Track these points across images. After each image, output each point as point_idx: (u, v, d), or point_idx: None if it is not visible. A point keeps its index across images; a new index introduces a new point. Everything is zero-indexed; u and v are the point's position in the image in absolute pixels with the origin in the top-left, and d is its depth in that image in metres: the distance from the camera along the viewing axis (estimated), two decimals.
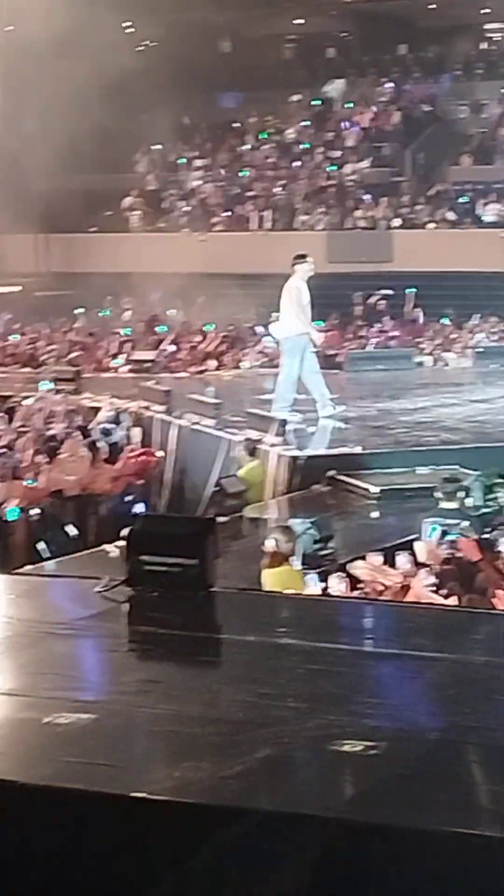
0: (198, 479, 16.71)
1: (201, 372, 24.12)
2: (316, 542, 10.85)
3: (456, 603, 7.86)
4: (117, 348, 26.26)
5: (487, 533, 9.58)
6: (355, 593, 8.22)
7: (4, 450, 16.48)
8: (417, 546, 9.81)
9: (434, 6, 38.85)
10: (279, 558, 9.96)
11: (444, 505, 11.26)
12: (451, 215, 32.89)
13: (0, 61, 28.73)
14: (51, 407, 18.97)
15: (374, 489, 13.90)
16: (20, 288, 32.78)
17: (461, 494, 11.58)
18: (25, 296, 32.12)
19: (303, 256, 17.52)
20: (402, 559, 8.54)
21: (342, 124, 36.82)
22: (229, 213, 35.05)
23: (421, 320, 28.26)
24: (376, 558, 8.70)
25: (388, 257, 32.28)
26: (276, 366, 25.93)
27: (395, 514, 13.12)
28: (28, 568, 11.62)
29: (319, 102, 37.99)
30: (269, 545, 10.16)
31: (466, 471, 13.41)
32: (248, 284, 29.90)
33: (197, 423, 17.63)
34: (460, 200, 33.41)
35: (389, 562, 9.52)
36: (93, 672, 5.30)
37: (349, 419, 17.74)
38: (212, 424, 17.28)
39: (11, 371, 23.57)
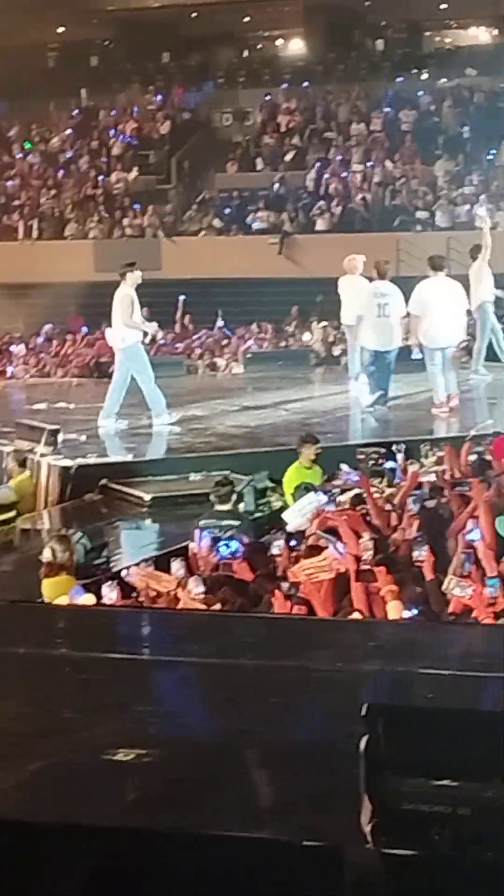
0: None
1: None
2: (89, 551, 10.84)
3: (227, 608, 7.93)
4: None
5: (260, 538, 9.72)
6: (129, 601, 8.24)
7: None
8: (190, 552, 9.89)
9: (196, 14, 39.13)
10: (56, 568, 9.93)
11: (219, 507, 11.38)
12: (217, 222, 33.15)
13: None
14: None
15: (147, 497, 13.93)
16: None
17: (234, 498, 11.71)
18: None
19: (132, 265, 17.48)
20: (176, 566, 8.58)
21: (108, 132, 36.81)
22: None
23: (191, 327, 28.43)
24: (149, 566, 8.74)
25: (157, 265, 32.35)
26: (48, 374, 25.89)
27: (169, 521, 13.18)
28: None
29: (80, 111, 37.94)
30: (47, 555, 10.12)
31: (238, 476, 13.55)
32: (16, 294, 29.69)
33: None
34: (227, 208, 33.71)
35: (164, 568, 9.56)
36: None
37: (119, 427, 17.76)
38: None
39: None
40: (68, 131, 37.29)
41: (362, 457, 12.87)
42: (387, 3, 38.21)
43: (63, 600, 8.48)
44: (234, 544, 8.90)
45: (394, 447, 12.74)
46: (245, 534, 10.23)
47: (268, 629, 6.15)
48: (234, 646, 5.64)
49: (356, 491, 10.63)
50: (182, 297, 28.28)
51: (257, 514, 12.14)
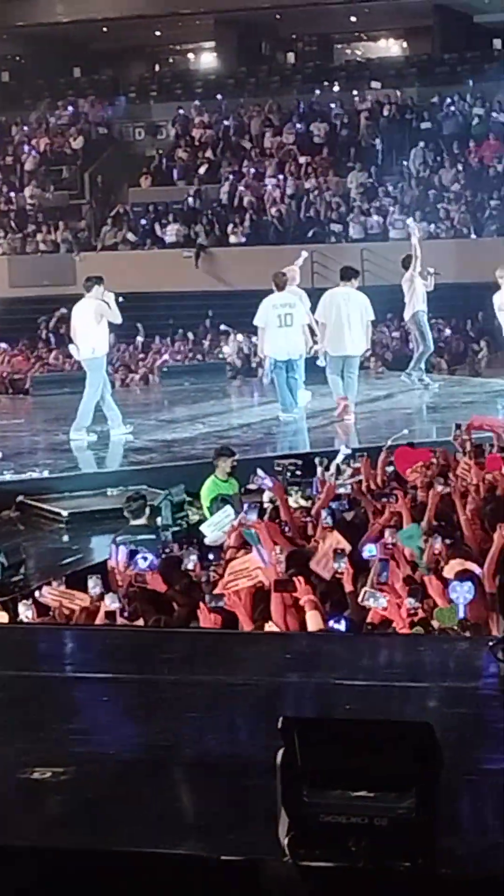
0: None
1: None
2: (6, 568, 10.76)
3: (143, 624, 7.91)
4: None
5: (170, 551, 9.70)
6: (46, 619, 8.19)
7: None
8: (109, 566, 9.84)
9: (106, 29, 39.08)
10: None
11: (134, 522, 11.34)
12: (131, 236, 33.12)
13: None
14: None
15: (65, 513, 13.87)
16: None
17: (148, 511, 11.68)
18: None
19: (99, 279, 17.45)
20: (92, 582, 8.53)
21: (22, 148, 36.65)
22: None
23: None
24: (61, 584, 8.68)
25: (71, 280, 32.27)
26: None
27: (87, 537, 13.13)
28: None
29: None
30: None
31: (155, 490, 13.52)
32: None
33: None
34: (141, 222, 33.68)
35: (82, 585, 9.51)
36: None
37: (37, 443, 17.69)
38: None
39: None
40: None
41: (279, 469, 12.88)
42: (297, 16, 38.37)
43: None
44: (150, 557, 8.88)
45: (315, 459, 12.76)
46: (162, 546, 10.20)
47: (185, 644, 6.14)
48: (151, 661, 5.62)
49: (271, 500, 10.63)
50: None
51: (175, 528, 12.10)
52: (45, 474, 15.19)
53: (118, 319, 17.61)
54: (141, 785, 4.15)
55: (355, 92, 36.15)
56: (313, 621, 7.77)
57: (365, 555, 8.55)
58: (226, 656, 5.74)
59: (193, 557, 9.01)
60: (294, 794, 3.45)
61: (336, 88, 37.08)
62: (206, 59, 42.34)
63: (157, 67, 42.83)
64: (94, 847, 3.68)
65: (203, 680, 5.21)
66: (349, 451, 12.75)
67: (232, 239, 32.12)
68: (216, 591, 8.15)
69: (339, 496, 10.73)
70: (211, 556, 9.33)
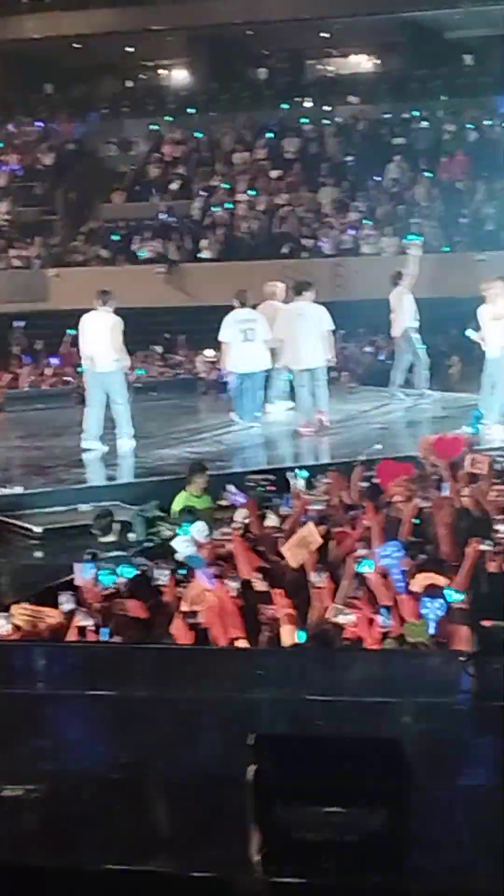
0: None
1: None
2: None
3: (119, 640, 7.90)
4: None
5: (144, 567, 9.69)
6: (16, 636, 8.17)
7: None
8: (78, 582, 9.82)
9: (79, 45, 39.10)
10: None
11: (103, 539, 11.31)
12: (104, 252, 33.09)
13: None
14: None
15: (38, 529, 13.83)
16: None
17: (117, 527, 11.65)
18: None
19: (106, 292, 17.82)
20: (64, 598, 8.52)
21: None
22: None
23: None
24: (31, 603, 8.68)
25: (44, 296, 32.27)
26: None
27: (59, 554, 13.09)
28: None
29: None
30: None
31: (127, 506, 13.51)
32: None
33: None
34: (113, 238, 33.67)
35: (53, 601, 9.49)
36: None
37: (10, 459, 17.65)
38: None
39: None
40: None
41: (252, 484, 12.89)
42: (268, 32, 38.43)
43: None
44: (120, 571, 8.90)
45: (287, 474, 12.76)
46: (131, 562, 10.19)
47: (157, 660, 6.13)
48: (124, 677, 5.61)
49: (244, 517, 10.62)
50: (70, 331, 28.03)
51: (146, 545, 12.09)
52: (18, 490, 15.16)
53: None
54: (112, 801, 4.14)
55: (327, 107, 36.25)
56: (288, 636, 7.78)
57: (360, 569, 8.53)
58: (197, 672, 5.73)
59: (166, 573, 9.00)
60: (265, 810, 3.45)
61: (308, 104, 37.18)
62: (178, 76, 42.37)
63: (129, 83, 42.84)
64: (66, 864, 3.67)
65: (174, 696, 5.21)
66: (305, 473, 12.75)
67: (204, 254, 32.13)
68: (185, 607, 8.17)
69: (309, 511, 10.73)
70: (182, 571, 9.33)
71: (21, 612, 8.40)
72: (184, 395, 23.71)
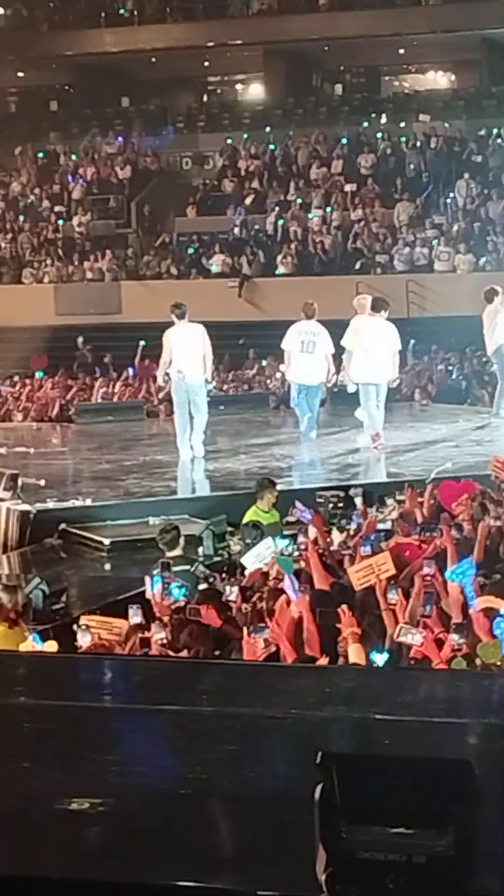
0: None
1: None
2: (47, 596, 10.79)
3: (187, 655, 7.89)
4: None
5: (210, 582, 9.69)
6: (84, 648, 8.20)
7: None
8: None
9: (155, 59, 39.31)
10: (4, 614, 9.83)
11: (169, 554, 11.32)
12: (177, 266, 33.22)
13: None
14: None
15: (107, 541, 13.87)
16: None
17: (183, 542, 11.66)
18: None
19: (180, 305, 18.08)
20: (133, 611, 8.54)
21: (68, 177, 36.86)
22: None
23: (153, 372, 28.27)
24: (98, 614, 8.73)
25: (117, 309, 32.45)
26: (9, 418, 25.74)
27: (128, 566, 13.12)
28: None
29: (42, 155, 38.03)
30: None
31: (197, 520, 13.53)
32: None
33: None
34: (187, 251, 33.78)
35: (122, 614, 9.52)
36: None
37: (80, 471, 17.73)
38: None
39: None
40: (26, 177, 37.28)
41: (321, 500, 12.87)
42: (345, 48, 38.49)
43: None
44: (185, 587, 8.91)
45: (350, 491, 12.73)
46: (204, 577, 10.19)
47: (225, 676, 6.12)
48: (191, 693, 5.61)
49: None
50: (142, 343, 28.14)
51: (216, 559, 12.10)
52: (88, 502, 15.21)
53: None
54: (178, 817, 4.13)
55: (402, 123, 36.21)
56: (356, 654, 7.74)
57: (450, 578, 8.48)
58: (265, 689, 5.72)
59: (235, 588, 9.00)
60: (332, 829, 3.43)
61: (383, 120, 37.16)
62: (254, 90, 42.49)
63: (204, 98, 43.03)
64: (131, 880, 3.67)
65: (241, 712, 5.19)
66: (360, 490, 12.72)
67: (277, 269, 32.16)
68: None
69: (380, 531, 10.67)
70: (253, 588, 9.34)
71: (90, 622, 8.43)
72: (255, 409, 23.66)
